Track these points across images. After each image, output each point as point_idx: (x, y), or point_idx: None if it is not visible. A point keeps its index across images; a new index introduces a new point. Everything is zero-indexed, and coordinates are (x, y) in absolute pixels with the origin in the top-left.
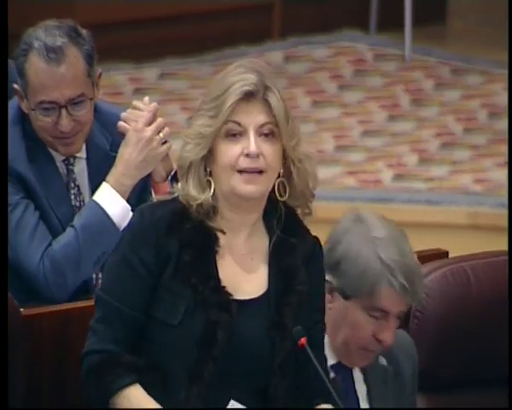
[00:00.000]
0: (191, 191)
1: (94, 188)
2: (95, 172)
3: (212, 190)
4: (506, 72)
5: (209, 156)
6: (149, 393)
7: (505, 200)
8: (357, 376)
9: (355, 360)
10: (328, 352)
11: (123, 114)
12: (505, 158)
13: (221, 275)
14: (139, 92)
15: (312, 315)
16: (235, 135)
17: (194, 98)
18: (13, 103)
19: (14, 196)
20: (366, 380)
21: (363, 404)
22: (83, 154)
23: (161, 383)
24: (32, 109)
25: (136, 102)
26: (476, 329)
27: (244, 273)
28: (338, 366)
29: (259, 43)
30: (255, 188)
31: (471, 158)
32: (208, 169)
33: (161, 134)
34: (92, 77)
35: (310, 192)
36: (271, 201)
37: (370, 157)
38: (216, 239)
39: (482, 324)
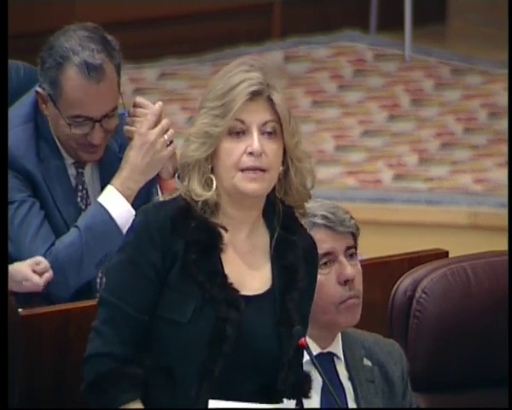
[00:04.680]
0: (196, 189)
1: (103, 188)
2: (106, 173)
3: (214, 187)
4: (506, 72)
5: (212, 154)
6: (159, 393)
7: (505, 200)
8: (342, 372)
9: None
10: (309, 342)
11: (128, 119)
12: (505, 158)
13: (226, 272)
14: (139, 92)
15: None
16: (238, 133)
17: (194, 98)
18: (25, 101)
19: (20, 194)
20: (351, 378)
21: (350, 400)
22: None
23: (171, 382)
24: (66, 122)
25: (139, 99)
26: (476, 329)
27: (248, 270)
28: (320, 357)
29: (259, 43)
30: (258, 186)
31: (471, 158)
32: (210, 166)
33: (166, 136)
34: (119, 86)
35: (307, 192)
36: (269, 199)
37: (370, 157)
38: (220, 237)
39: (482, 324)
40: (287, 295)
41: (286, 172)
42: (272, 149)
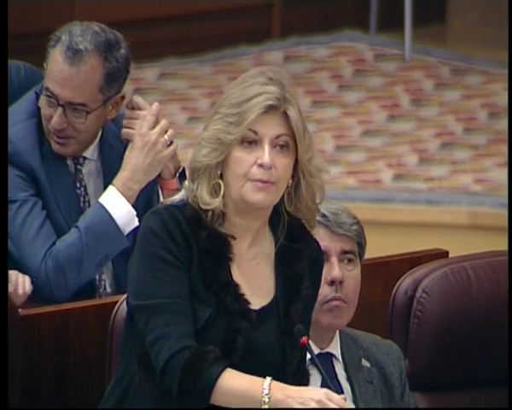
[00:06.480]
0: (204, 196)
1: (106, 187)
2: (108, 171)
3: (221, 194)
4: (506, 72)
5: (222, 161)
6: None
7: (505, 200)
8: (341, 372)
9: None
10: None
11: (124, 121)
12: (505, 158)
13: (236, 281)
14: (139, 92)
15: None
16: (250, 143)
17: (194, 98)
18: (27, 99)
19: (23, 193)
20: (349, 379)
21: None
22: (93, 156)
23: None
24: (43, 95)
25: (136, 99)
26: (476, 329)
27: (252, 279)
28: (318, 357)
29: (259, 43)
30: (265, 197)
31: (471, 158)
32: (219, 172)
33: (166, 136)
34: (105, 95)
35: (315, 207)
36: (276, 208)
37: (370, 157)
38: (229, 247)
39: (482, 324)
40: (291, 306)
41: (296, 186)
42: (282, 163)
